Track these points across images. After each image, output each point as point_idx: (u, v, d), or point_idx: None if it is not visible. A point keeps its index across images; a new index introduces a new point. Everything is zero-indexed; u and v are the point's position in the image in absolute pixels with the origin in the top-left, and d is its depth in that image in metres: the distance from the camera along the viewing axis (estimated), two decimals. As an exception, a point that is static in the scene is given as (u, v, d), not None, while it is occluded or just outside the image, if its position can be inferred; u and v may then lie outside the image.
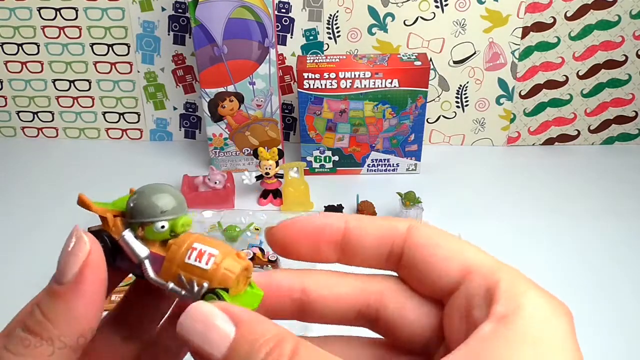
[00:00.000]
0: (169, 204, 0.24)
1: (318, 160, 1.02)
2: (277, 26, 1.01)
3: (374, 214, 0.91)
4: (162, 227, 0.24)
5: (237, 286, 0.23)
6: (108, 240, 0.24)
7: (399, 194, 0.88)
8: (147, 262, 0.23)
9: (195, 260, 0.22)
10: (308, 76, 0.93)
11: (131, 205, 0.24)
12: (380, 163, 1.02)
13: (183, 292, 0.22)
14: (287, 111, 1.10)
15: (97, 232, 0.24)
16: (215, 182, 0.93)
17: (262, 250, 0.80)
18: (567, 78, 1.04)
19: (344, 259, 0.25)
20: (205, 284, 0.22)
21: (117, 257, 0.24)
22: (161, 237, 0.24)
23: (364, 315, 0.24)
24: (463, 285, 0.22)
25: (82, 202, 0.24)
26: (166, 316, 0.27)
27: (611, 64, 1.03)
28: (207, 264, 0.22)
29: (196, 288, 0.22)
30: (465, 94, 1.06)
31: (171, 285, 0.23)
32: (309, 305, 0.24)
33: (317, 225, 0.24)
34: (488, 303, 0.21)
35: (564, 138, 1.10)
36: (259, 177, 0.94)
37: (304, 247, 0.25)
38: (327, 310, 0.24)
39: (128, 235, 0.24)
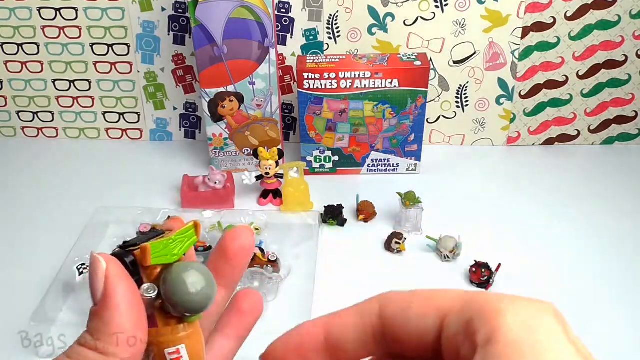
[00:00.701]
0: (198, 310, 0.25)
1: (318, 160, 1.02)
2: (277, 26, 1.01)
3: (374, 214, 0.91)
4: (176, 315, 0.25)
5: None
6: (129, 264, 0.25)
7: (399, 194, 0.88)
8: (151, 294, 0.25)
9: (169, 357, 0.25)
10: (308, 76, 0.93)
11: (165, 290, 0.25)
12: (380, 163, 1.02)
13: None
14: (287, 111, 1.10)
15: (118, 255, 0.25)
16: (215, 182, 0.93)
17: (262, 250, 0.80)
18: (567, 78, 1.04)
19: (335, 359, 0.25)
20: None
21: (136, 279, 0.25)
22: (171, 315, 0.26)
23: (374, 343, 0.24)
24: (443, 333, 0.22)
25: (144, 253, 0.25)
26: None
27: (611, 64, 1.03)
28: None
29: None
30: (465, 94, 1.06)
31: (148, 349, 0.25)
32: (333, 348, 0.25)
33: (297, 341, 0.25)
34: (470, 338, 0.20)
35: (564, 138, 1.10)
36: (259, 177, 0.94)
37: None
38: (348, 347, 0.24)
39: (146, 291, 0.25)
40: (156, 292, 0.25)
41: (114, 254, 0.25)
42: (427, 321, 0.22)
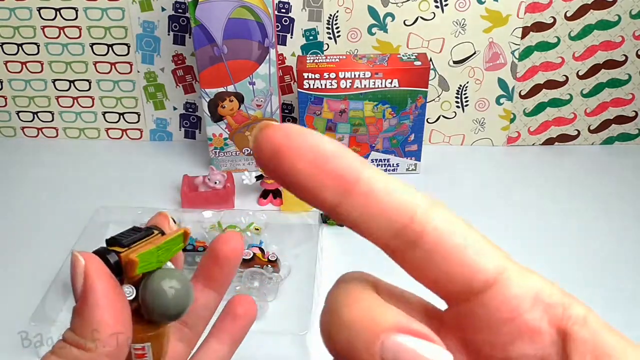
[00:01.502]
0: (171, 319, 0.26)
1: (318, 160, 1.02)
2: (277, 26, 1.01)
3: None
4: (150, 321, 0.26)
5: None
6: (111, 260, 0.26)
7: (399, 194, 0.88)
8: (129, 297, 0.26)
9: (135, 354, 0.26)
10: (308, 76, 0.93)
11: (145, 299, 0.26)
12: (380, 163, 1.02)
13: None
14: (287, 111, 1.10)
15: (100, 252, 0.26)
16: (215, 182, 0.93)
17: (262, 250, 0.80)
18: (567, 78, 1.04)
19: (342, 212, 0.19)
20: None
21: (119, 276, 0.26)
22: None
23: (402, 237, 0.19)
24: (501, 286, 0.19)
25: (131, 264, 0.26)
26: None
27: (611, 64, 1.03)
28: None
29: None
30: (465, 94, 1.06)
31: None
32: (356, 195, 0.19)
33: (328, 149, 0.18)
34: (545, 309, 0.19)
35: (564, 138, 1.10)
36: (259, 177, 0.94)
37: (302, 169, 0.18)
38: (373, 210, 0.19)
39: (127, 292, 0.26)
40: (134, 294, 0.25)
41: (96, 252, 0.26)
42: (486, 263, 0.19)
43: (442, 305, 0.21)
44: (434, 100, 1.07)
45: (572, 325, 0.19)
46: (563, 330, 0.19)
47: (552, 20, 0.99)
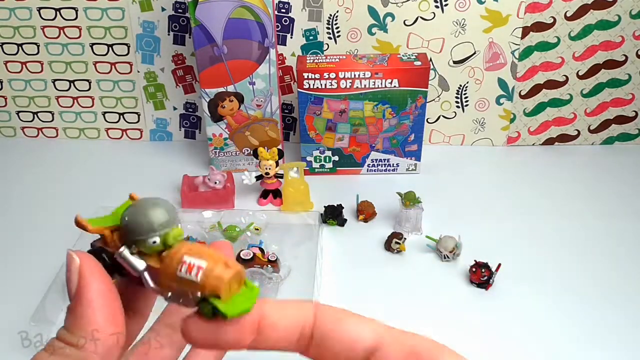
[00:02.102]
0: (159, 219, 0.25)
1: (318, 160, 1.02)
2: (277, 26, 1.01)
3: (374, 214, 0.91)
4: (154, 242, 0.25)
5: (229, 291, 0.24)
6: (107, 257, 0.26)
7: (399, 194, 0.88)
8: (145, 274, 0.25)
9: (186, 273, 0.24)
10: (308, 76, 0.93)
11: (124, 222, 0.26)
12: (380, 163, 1.02)
13: (180, 300, 0.24)
14: (287, 111, 1.10)
15: (96, 251, 0.26)
16: (215, 182, 0.93)
17: (262, 250, 0.80)
18: (567, 78, 1.04)
19: (256, 346, 0.25)
20: (198, 294, 0.24)
21: (121, 271, 0.26)
22: (156, 250, 0.25)
23: (302, 341, 0.25)
24: (379, 352, 0.23)
25: (78, 224, 0.26)
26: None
27: (611, 64, 1.03)
28: (197, 276, 0.24)
29: (190, 297, 0.24)
30: (465, 94, 1.06)
31: (169, 294, 0.25)
32: (263, 332, 0.25)
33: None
34: None
35: (564, 138, 1.10)
36: (259, 177, 0.94)
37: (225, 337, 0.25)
38: (275, 335, 0.25)
39: (124, 252, 0.25)
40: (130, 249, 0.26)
41: (91, 251, 0.26)
42: (363, 334, 0.24)
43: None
44: (434, 100, 1.07)
45: None
46: None
47: (552, 20, 0.99)
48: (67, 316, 0.25)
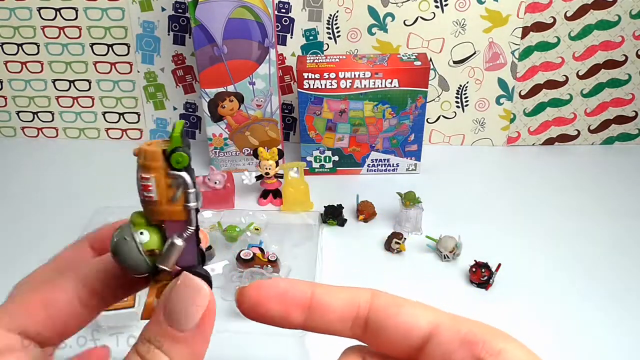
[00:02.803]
0: (125, 245, 0.24)
1: (318, 160, 1.02)
2: (277, 26, 1.01)
3: (374, 214, 0.91)
4: (142, 235, 0.25)
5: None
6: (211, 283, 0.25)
7: (399, 194, 0.88)
8: (182, 235, 0.25)
9: (150, 191, 0.24)
10: (308, 76, 0.93)
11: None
12: (380, 163, 1.02)
13: (186, 191, 0.24)
14: (287, 111, 1.10)
15: (205, 276, 0.25)
16: (215, 182, 0.93)
17: (262, 250, 0.80)
18: (567, 78, 1.04)
19: (309, 325, 0.25)
20: (165, 172, 0.24)
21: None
22: (154, 232, 0.25)
23: (356, 325, 0.25)
24: (435, 338, 0.24)
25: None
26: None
27: (611, 64, 1.03)
28: (147, 179, 0.24)
29: (174, 179, 0.24)
30: (465, 94, 1.06)
31: (190, 203, 0.24)
32: (315, 309, 0.25)
33: (284, 287, 0.26)
34: (469, 348, 0.23)
35: (564, 138, 1.10)
36: (259, 177, 0.94)
37: (273, 309, 0.25)
38: (329, 313, 0.25)
39: (165, 264, 0.25)
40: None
41: (196, 273, 0.25)
42: (419, 323, 0.24)
43: None
44: (434, 100, 1.07)
45: (486, 357, 0.23)
46: None
47: (552, 20, 0.99)
48: (172, 347, 0.23)
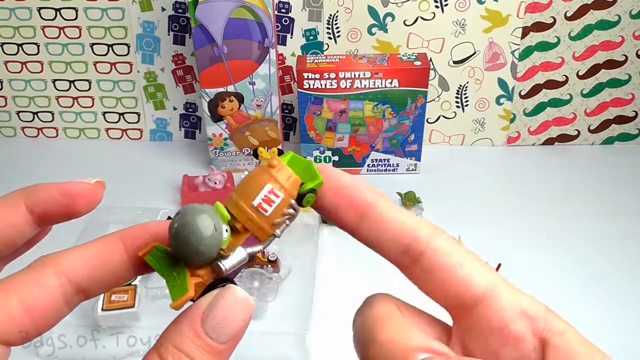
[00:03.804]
0: (209, 229, 0.23)
1: (318, 161, 1.02)
2: (277, 26, 1.01)
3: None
4: (225, 232, 0.24)
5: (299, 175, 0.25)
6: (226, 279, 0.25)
7: (399, 194, 0.88)
8: (249, 251, 0.24)
9: (270, 206, 0.24)
10: (308, 76, 0.93)
11: (194, 254, 0.23)
12: (380, 163, 1.02)
13: (287, 223, 0.24)
14: (287, 111, 1.10)
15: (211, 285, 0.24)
16: (215, 182, 0.93)
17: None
18: (567, 78, 1.04)
19: (361, 231, 0.25)
20: (293, 202, 0.24)
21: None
22: (233, 233, 0.24)
23: (408, 254, 0.24)
24: (492, 300, 0.23)
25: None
26: None
27: (611, 64, 1.03)
28: (277, 196, 0.24)
29: (292, 210, 0.24)
30: (465, 94, 1.06)
31: (277, 232, 0.24)
32: (371, 217, 0.24)
33: (346, 182, 0.25)
34: (529, 322, 0.23)
35: (564, 138, 1.10)
36: (259, 177, 0.94)
37: (329, 201, 0.25)
38: (385, 231, 0.24)
39: (226, 265, 0.24)
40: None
41: (212, 285, 0.24)
42: (479, 279, 0.23)
43: (448, 320, 0.25)
44: (434, 100, 1.07)
45: (551, 336, 0.22)
46: (543, 339, 0.22)
47: (552, 20, 0.99)
48: (205, 351, 0.22)
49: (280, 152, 0.93)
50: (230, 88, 0.96)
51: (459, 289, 0.23)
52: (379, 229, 0.24)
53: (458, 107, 1.07)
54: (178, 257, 0.23)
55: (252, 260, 0.24)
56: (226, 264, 0.24)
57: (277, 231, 0.24)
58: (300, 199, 0.25)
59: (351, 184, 0.25)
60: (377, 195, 0.25)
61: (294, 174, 0.25)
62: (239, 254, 0.24)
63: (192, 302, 0.23)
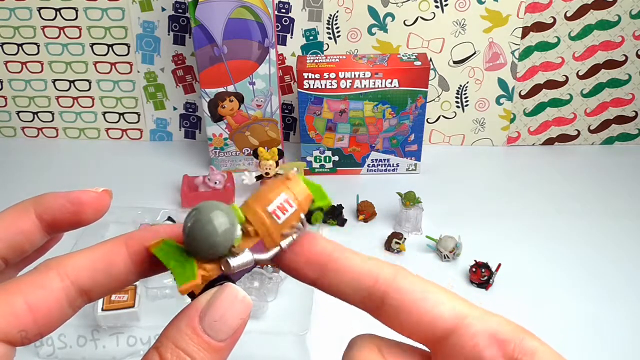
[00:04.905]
0: (224, 224, 0.23)
1: (318, 160, 1.02)
2: (277, 26, 1.01)
3: (374, 214, 0.91)
4: (239, 234, 0.24)
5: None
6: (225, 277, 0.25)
7: (399, 194, 0.88)
8: (256, 257, 0.25)
9: (283, 214, 0.25)
10: (308, 76, 0.93)
11: (205, 247, 0.24)
12: (380, 163, 1.02)
13: (294, 237, 0.25)
14: (287, 111, 1.10)
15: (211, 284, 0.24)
16: (215, 182, 0.93)
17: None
18: (567, 78, 1.04)
19: (322, 283, 0.25)
20: (302, 216, 0.25)
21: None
22: (244, 236, 0.25)
23: (372, 297, 0.24)
24: (463, 329, 0.23)
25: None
26: None
27: (611, 64, 1.03)
28: (290, 206, 0.25)
29: (301, 225, 0.25)
30: (465, 94, 1.06)
31: (284, 244, 0.25)
32: (330, 268, 0.25)
33: (310, 240, 0.25)
34: (500, 346, 0.23)
35: (564, 138, 1.10)
36: (259, 177, 0.94)
37: (289, 258, 0.25)
38: (345, 279, 0.25)
39: (233, 263, 0.24)
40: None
41: (214, 282, 0.24)
42: (444, 312, 0.23)
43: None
44: (434, 100, 1.07)
45: (521, 358, 0.22)
46: None
47: (552, 20, 0.99)
48: (206, 356, 0.22)
49: (281, 152, 0.93)
50: (230, 88, 0.96)
51: (429, 324, 0.23)
52: (339, 279, 0.24)
53: (458, 107, 1.07)
54: (189, 249, 0.24)
55: (255, 267, 0.24)
56: (234, 262, 0.24)
57: (283, 243, 0.25)
58: (309, 215, 0.26)
59: (308, 241, 0.25)
60: (335, 247, 0.25)
61: (308, 190, 0.26)
62: (246, 256, 0.25)
63: (191, 301, 0.24)
